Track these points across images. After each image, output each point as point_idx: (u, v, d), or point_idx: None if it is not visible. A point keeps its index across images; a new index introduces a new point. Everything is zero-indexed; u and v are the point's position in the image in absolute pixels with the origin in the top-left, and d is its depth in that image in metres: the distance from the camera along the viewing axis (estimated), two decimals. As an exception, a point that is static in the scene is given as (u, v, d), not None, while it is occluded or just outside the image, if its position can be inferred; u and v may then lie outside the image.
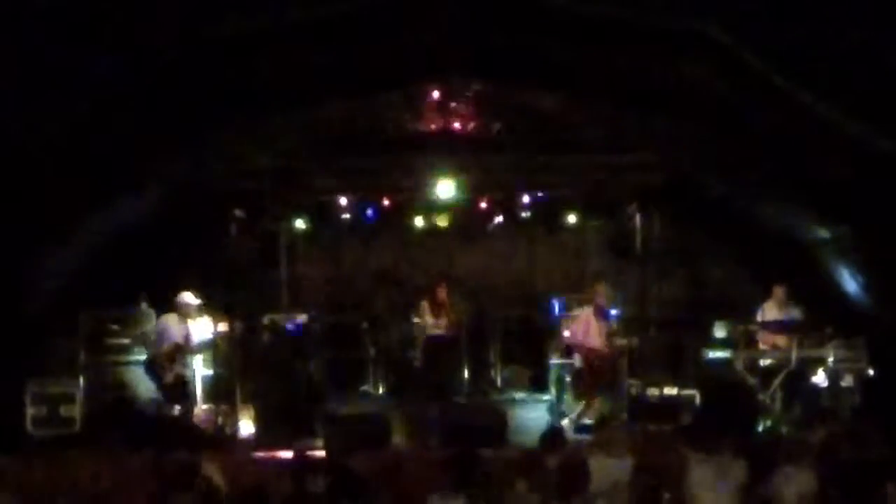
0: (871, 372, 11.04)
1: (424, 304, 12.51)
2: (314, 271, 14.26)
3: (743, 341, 11.47)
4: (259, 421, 11.27)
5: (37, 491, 8.60)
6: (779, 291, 11.61)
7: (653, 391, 11.20)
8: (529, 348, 13.57)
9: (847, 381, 11.03)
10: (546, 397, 12.50)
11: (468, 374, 13.12)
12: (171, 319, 11.26)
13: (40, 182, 9.79)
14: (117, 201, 11.67)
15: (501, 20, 9.53)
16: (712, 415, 10.58)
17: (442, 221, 13.52)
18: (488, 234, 14.17)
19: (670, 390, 11.29)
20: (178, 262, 13.17)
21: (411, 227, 13.70)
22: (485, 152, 12.37)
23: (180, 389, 11.08)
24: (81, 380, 11.35)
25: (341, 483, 6.72)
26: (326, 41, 9.62)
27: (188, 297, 11.28)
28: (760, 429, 10.82)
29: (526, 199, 13.03)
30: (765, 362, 11.37)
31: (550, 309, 13.12)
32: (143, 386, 11.37)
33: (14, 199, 9.63)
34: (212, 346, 11.61)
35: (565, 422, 11.17)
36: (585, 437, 10.04)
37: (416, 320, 12.82)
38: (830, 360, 11.08)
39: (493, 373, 13.63)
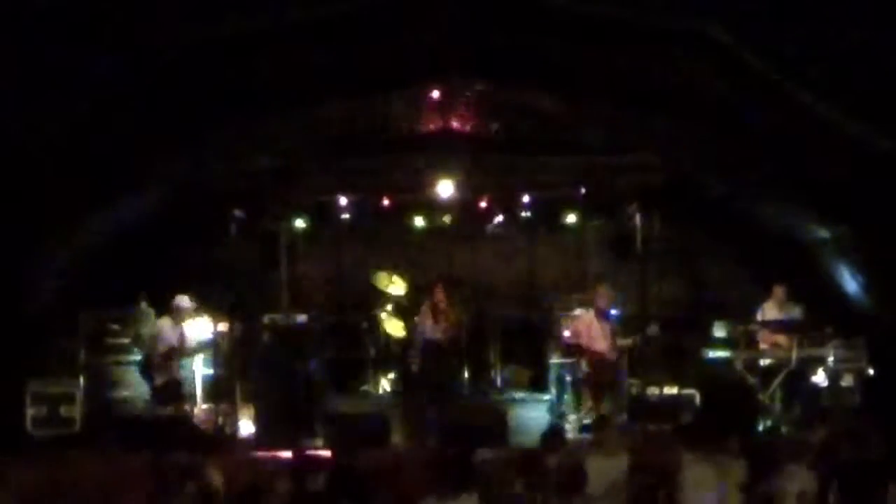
0: (871, 372, 11.05)
1: (425, 309, 12.52)
2: (314, 271, 14.25)
3: (743, 341, 11.46)
4: (259, 421, 11.28)
5: (37, 491, 8.60)
6: (779, 291, 11.61)
7: (653, 391, 11.20)
8: (529, 348, 13.56)
9: (847, 381, 11.04)
10: (546, 397, 12.49)
11: (468, 374, 13.11)
12: (165, 323, 11.30)
13: (40, 182, 9.79)
14: (117, 201, 11.67)
15: (501, 20, 9.54)
16: (712, 415, 10.57)
17: (442, 221, 13.52)
18: (488, 234, 14.16)
19: (670, 390, 11.29)
20: (178, 262, 13.17)
21: (411, 227, 13.69)
22: (485, 152, 12.36)
23: (172, 392, 11.10)
24: (81, 380, 11.35)
25: (341, 482, 6.72)
26: (326, 41, 9.62)
27: (183, 301, 11.30)
28: (760, 429, 10.82)
29: (526, 199, 13.02)
30: (765, 362, 11.37)
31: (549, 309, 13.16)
32: (142, 387, 11.38)
33: (14, 199, 9.64)
34: (209, 347, 11.61)
35: (569, 422, 11.19)
36: (587, 436, 10.04)
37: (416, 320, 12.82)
38: (830, 359, 11.09)
39: (493, 373, 13.62)
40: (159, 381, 11.08)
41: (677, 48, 9.21)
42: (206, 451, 9.73)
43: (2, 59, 8.02)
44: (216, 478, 7.11)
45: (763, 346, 11.58)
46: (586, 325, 11.55)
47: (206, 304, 11.86)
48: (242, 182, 11.92)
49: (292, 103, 11.04)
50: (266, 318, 12.35)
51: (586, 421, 11.02)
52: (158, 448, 8.54)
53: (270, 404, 11.33)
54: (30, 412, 11.07)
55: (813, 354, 11.13)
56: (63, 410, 11.11)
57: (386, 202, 12.92)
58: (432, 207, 13.12)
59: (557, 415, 11.67)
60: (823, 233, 11.88)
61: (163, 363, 11.08)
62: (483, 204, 13.02)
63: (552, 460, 6.91)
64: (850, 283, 11.91)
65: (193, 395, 11.62)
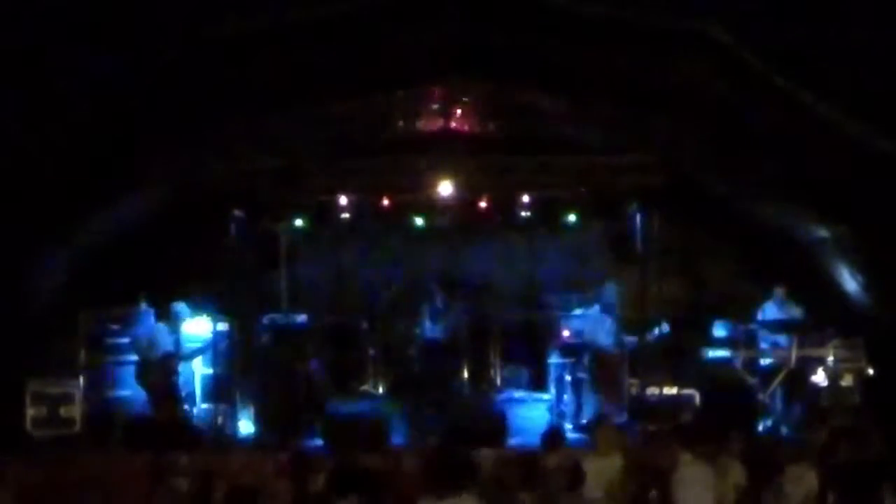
0: (871, 372, 11.04)
1: (424, 308, 12.50)
2: (314, 271, 14.24)
3: (743, 341, 11.46)
4: (259, 421, 11.27)
5: (37, 491, 8.61)
6: (779, 291, 11.61)
7: (653, 391, 11.19)
8: (529, 348, 13.54)
9: (847, 381, 11.03)
10: (546, 397, 12.49)
11: (468, 374, 13.09)
12: (162, 328, 11.30)
13: (40, 182, 9.80)
14: (117, 201, 11.67)
15: (501, 20, 9.54)
16: (712, 415, 10.58)
17: (442, 221, 13.50)
18: (488, 234, 14.15)
19: (670, 390, 11.28)
20: (178, 262, 13.16)
21: (411, 227, 13.68)
22: (485, 152, 12.35)
23: (165, 395, 11.11)
24: (81, 380, 11.35)
25: (341, 482, 6.71)
26: (326, 41, 9.62)
27: (181, 308, 11.32)
28: (760, 429, 10.83)
29: (526, 199, 13.01)
30: (765, 362, 11.37)
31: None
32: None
33: (14, 199, 9.64)
34: (207, 351, 11.61)
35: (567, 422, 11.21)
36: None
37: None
38: (830, 359, 11.08)
39: (492, 373, 13.60)
40: (155, 385, 11.09)
41: (677, 48, 9.22)
42: (206, 451, 9.77)
43: (2, 59, 8.02)
44: (215, 477, 7.12)
45: (763, 346, 11.56)
46: (591, 322, 11.59)
47: (206, 304, 11.86)
48: (242, 182, 11.90)
49: (292, 103, 11.04)
50: (266, 318, 12.35)
51: (585, 421, 11.03)
52: (158, 448, 8.55)
53: (270, 404, 11.32)
54: (30, 412, 11.05)
55: (813, 354, 11.12)
56: (63, 410, 11.10)
57: (386, 202, 12.89)
58: (432, 207, 13.09)
59: (557, 415, 11.66)
60: (823, 233, 11.87)
61: (159, 368, 11.09)
62: (483, 204, 13.00)
63: (552, 460, 6.91)
64: (850, 283, 11.91)
65: (193, 396, 11.63)
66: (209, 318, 11.69)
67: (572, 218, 13.19)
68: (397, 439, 10.66)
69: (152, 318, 11.51)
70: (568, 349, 11.93)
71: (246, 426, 11.38)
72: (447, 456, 6.10)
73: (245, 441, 11.07)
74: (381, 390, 13.33)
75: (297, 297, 13.35)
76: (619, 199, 12.38)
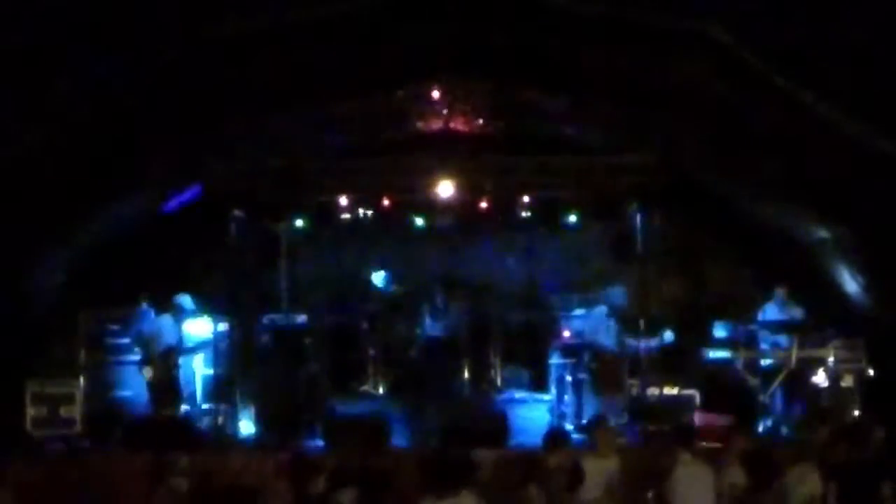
0: (871, 372, 11.04)
1: (424, 307, 12.49)
2: (314, 271, 14.24)
3: (743, 342, 11.46)
4: (259, 421, 11.27)
5: (37, 491, 8.61)
6: (779, 292, 11.61)
7: (653, 391, 11.19)
8: (529, 348, 13.55)
9: (847, 381, 11.03)
10: (546, 397, 12.49)
11: (468, 374, 13.10)
12: (166, 321, 11.29)
13: (40, 182, 9.80)
14: (117, 201, 11.67)
15: (501, 20, 9.54)
16: (712, 415, 10.58)
17: (442, 221, 13.51)
18: (488, 235, 14.15)
19: (670, 390, 11.28)
20: (178, 262, 13.17)
21: (411, 227, 13.68)
22: (485, 152, 12.35)
23: (169, 391, 11.10)
24: (81, 380, 11.35)
25: (342, 483, 6.72)
26: (326, 41, 9.62)
27: (185, 300, 11.30)
28: (760, 429, 10.83)
29: (526, 199, 13.02)
30: (765, 362, 11.37)
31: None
32: (142, 387, 11.39)
33: (14, 199, 9.64)
34: (209, 347, 11.62)
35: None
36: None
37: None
38: (830, 360, 11.09)
39: (493, 373, 13.61)
40: (157, 380, 11.08)
41: (677, 48, 9.22)
42: (206, 451, 9.77)
43: (2, 58, 8.02)
44: (215, 477, 7.13)
45: (763, 346, 11.56)
46: (594, 321, 11.59)
47: (206, 304, 11.87)
48: (242, 182, 11.91)
49: (292, 103, 11.05)
50: (266, 318, 12.36)
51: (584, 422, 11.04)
52: (158, 448, 8.55)
53: (270, 404, 11.32)
54: (30, 412, 11.06)
55: (813, 355, 11.12)
56: (63, 410, 11.10)
57: (386, 202, 12.89)
58: (432, 207, 13.09)
59: (557, 415, 11.66)
60: (823, 233, 11.87)
61: (162, 362, 11.08)
62: (483, 204, 13.00)
63: (553, 460, 6.92)
64: (850, 283, 11.91)
65: (193, 395, 11.63)
66: (209, 318, 11.69)
67: (572, 218, 13.20)
68: (397, 439, 10.66)
69: (153, 316, 11.51)
70: (568, 349, 11.93)
71: (246, 426, 11.37)
72: (447, 456, 6.11)
73: (245, 441, 11.07)
74: (381, 390, 13.34)
75: (297, 297, 13.35)
76: (619, 199, 12.37)
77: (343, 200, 12.68)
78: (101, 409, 11.31)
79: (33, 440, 10.88)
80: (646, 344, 11.34)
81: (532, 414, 12.08)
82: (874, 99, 8.63)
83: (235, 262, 11.85)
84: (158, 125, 10.13)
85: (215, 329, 11.65)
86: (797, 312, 11.54)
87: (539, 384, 13.10)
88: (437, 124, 12.70)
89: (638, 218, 11.94)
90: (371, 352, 13.45)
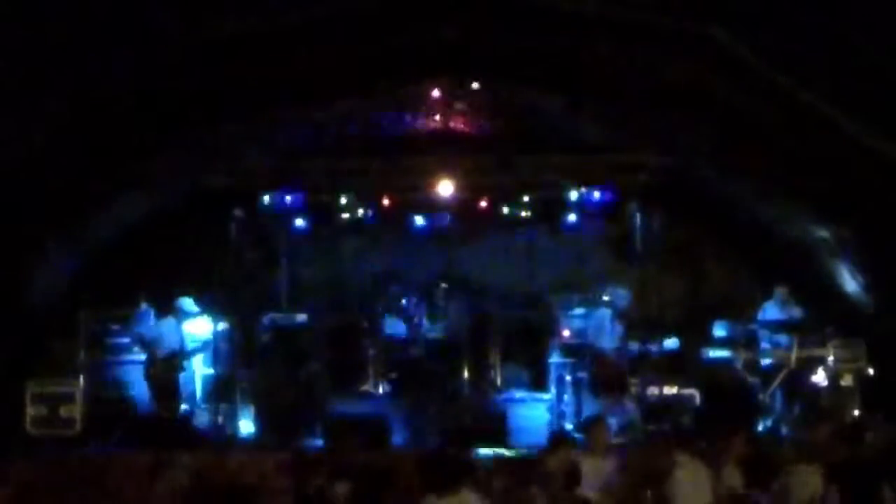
0: (871, 372, 11.04)
1: (424, 307, 12.50)
2: (314, 271, 14.24)
3: (743, 341, 11.46)
4: (259, 420, 11.27)
5: (37, 490, 8.61)
6: (779, 291, 11.60)
7: (653, 391, 11.19)
8: (529, 348, 13.54)
9: (847, 381, 11.03)
10: (546, 397, 12.48)
11: (468, 373, 13.09)
12: (168, 324, 11.29)
13: (40, 182, 9.80)
14: (117, 201, 11.68)
15: (502, 20, 9.54)
16: (712, 415, 10.58)
17: (442, 221, 13.50)
18: (488, 234, 14.15)
19: (670, 390, 11.28)
20: (178, 262, 13.17)
21: (411, 227, 13.68)
22: (485, 152, 12.34)
23: (170, 392, 11.10)
24: (81, 380, 11.34)
25: (339, 474, 6.72)
26: (326, 41, 9.62)
27: (187, 303, 11.31)
28: (760, 429, 10.82)
29: (526, 198, 13.01)
30: (765, 362, 11.36)
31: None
32: (142, 387, 11.38)
33: (15, 198, 9.64)
34: (210, 348, 11.61)
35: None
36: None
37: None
38: (830, 359, 11.08)
39: (492, 373, 13.60)
40: (160, 381, 11.09)
41: (677, 48, 9.22)
42: (207, 451, 9.77)
43: (2, 58, 8.03)
44: (214, 477, 7.12)
45: (763, 346, 11.56)
46: (596, 323, 11.56)
47: (206, 304, 11.86)
48: (242, 182, 11.91)
49: (292, 103, 11.04)
50: (266, 318, 12.35)
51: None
52: (158, 447, 8.55)
53: (270, 404, 11.32)
54: (30, 412, 11.06)
55: (813, 354, 11.12)
56: (63, 410, 11.10)
57: (386, 202, 12.90)
58: (432, 207, 13.10)
59: (557, 415, 11.66)
60: (823, 233, 11.87)
61: (166, 366, 11.09)
62: (483, 204, 13.00)
63: (553, 461, 6.91)
64: (851, 283, 11.91)
65: (193, 395, 11.62)
66: (209, 318, 11.69)
67: (572, 218, 13.20)
68: (397, 439, 10.66)
69: (153, 316, 11.51)
70: (568, 349, 11.93)
71: (246, 425, 11.37)
72: (447, 456, 6.11)
73: (245, 441, 11.07)
74: (381, 390, 13.33)
75: (297, 297, 13.35)
76: (619, 198, 12.38)
77: (343, 200, 12.69)
78: (101, 409, 11.31)
79: (33, 440, 10.88)
80: (648, 349, 11.35)
81: (532, 413, 12.06)
82: (874, 99, 8.64)
83: (235, 262, 11.85)
84: (158, 125, 10.13)
85: (215, 329, 11.65)
86: (797, 312, 11.54)
87: (539, 384, 13.09)
88: (436, 124, 12.70)
89: (638, 218, 11.94)
90: (371, 352, 13.45)
